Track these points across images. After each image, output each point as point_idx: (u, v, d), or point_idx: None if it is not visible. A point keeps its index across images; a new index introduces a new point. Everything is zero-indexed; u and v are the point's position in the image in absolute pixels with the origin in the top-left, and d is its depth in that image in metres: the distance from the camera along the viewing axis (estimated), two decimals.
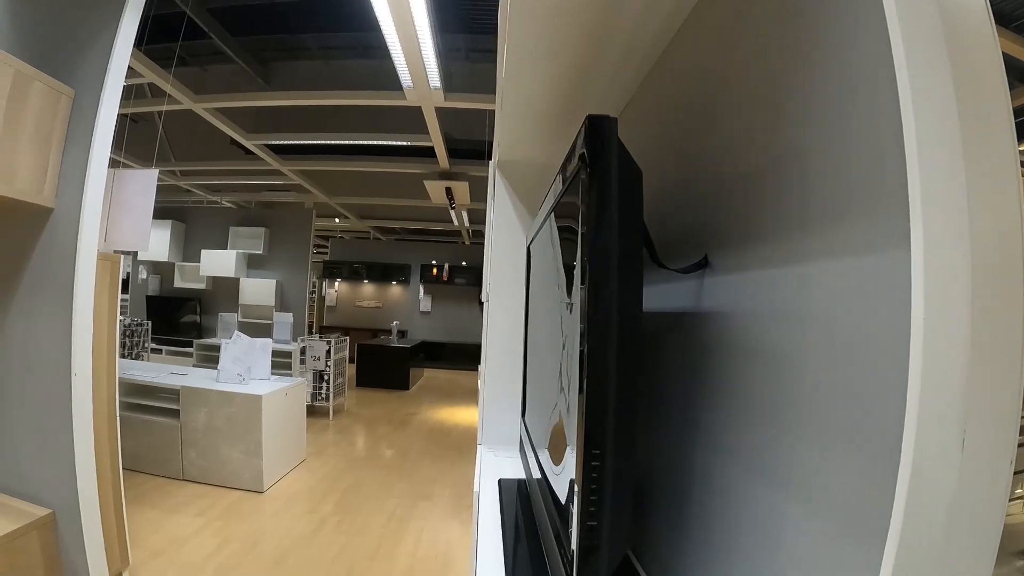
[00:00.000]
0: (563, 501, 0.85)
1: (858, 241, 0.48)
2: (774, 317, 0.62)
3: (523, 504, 1.40)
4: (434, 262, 13.06)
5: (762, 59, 0.68)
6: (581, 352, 0.63)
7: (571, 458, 0.75)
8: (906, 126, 0.40)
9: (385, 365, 9.00)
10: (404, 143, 5.40)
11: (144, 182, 2.62)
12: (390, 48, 3.19)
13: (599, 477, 0.61)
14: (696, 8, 0.95)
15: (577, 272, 0.69)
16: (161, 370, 4.83)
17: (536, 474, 1.25)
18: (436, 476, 4.51)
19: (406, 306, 13.16)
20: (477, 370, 10.51)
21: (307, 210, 8.76)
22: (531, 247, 1.80)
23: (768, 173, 0.65)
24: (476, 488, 1.53)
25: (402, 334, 10.72)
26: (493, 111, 4.75)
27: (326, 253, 13.55)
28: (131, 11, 2.24)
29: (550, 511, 1.00)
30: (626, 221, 0.62)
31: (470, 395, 8.92)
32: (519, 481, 1.60)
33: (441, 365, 12.20)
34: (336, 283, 13.07)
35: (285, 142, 5.71)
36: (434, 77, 3.60)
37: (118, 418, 2.56)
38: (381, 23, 2.88)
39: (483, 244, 11.21)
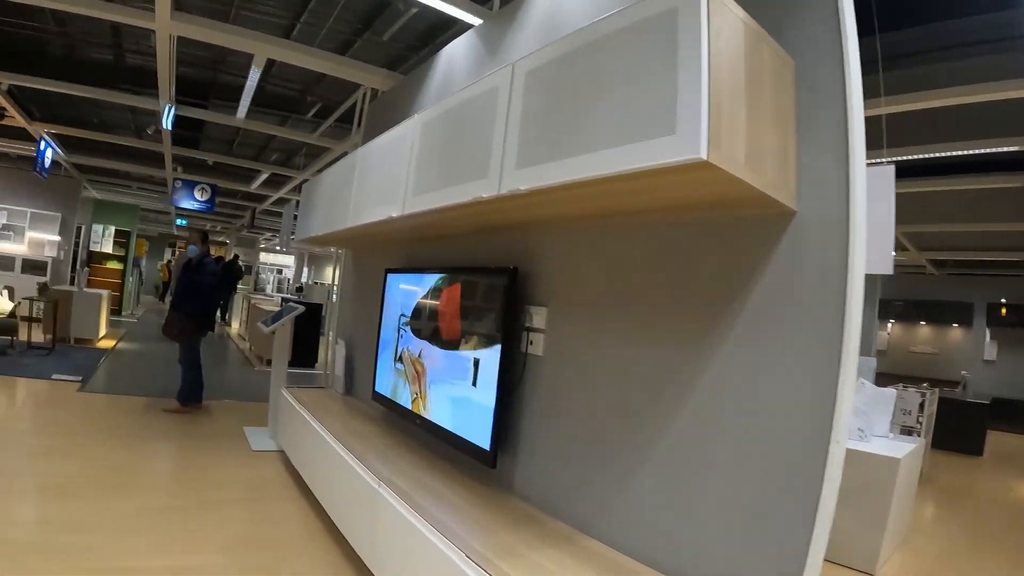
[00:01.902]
0: None
1: None
2: None
3: None
4: (1003, 300, 10.90)
5: None
6: None
7: None
8: None
9: (956, 423, 7.79)
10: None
11: (881, 182, 2.06)
12: None
13: None
14: None
15: None
16: None
17: None
18: None
19: (966, 353, 11.36)
20: None
21: None
22: None
23: None
24: None
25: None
26: None
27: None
28: None
29: None
30: None
31: None
32: None
33: (1008, 427, 9.99)
34: (888, 324, 12.04)
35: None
36: None
37: None
38: None
39: None
